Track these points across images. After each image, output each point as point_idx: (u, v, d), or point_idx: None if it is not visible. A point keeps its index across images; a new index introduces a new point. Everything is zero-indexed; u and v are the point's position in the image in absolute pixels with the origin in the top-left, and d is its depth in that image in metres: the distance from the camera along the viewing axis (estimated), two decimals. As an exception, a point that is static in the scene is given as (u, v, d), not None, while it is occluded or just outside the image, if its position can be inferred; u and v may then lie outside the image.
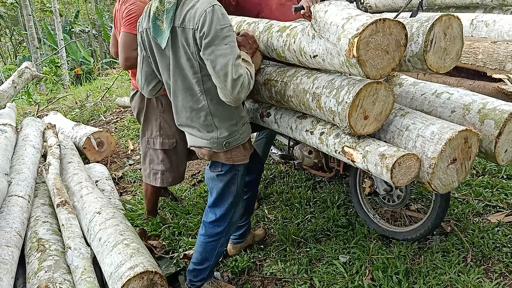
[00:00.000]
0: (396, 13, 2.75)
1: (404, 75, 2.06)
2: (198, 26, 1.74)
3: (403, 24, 1.46)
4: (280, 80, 2.04)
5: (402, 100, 1.93)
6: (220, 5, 1.80)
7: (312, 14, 1.66)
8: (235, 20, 2.42)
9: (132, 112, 6.15)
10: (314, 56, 1.68)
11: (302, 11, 2.45)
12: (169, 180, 2.94)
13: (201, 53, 1.77)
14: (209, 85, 1.87)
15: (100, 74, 12.06)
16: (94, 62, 16.35)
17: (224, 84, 1.77)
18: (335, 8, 1.56)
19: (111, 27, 18.60)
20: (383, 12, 3.12)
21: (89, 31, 19.51)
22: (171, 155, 2.89)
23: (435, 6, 2.74)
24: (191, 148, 2.14)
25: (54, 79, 11.27)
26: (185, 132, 2.10)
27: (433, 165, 1.54)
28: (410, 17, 2.61)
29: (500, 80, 1.89)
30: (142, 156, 3.02)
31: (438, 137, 1.54)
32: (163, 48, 1.87)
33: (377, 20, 1.41)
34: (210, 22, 1.72)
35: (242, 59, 1.91)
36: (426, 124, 1.61)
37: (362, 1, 2.07)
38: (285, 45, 1.92)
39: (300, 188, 3.40)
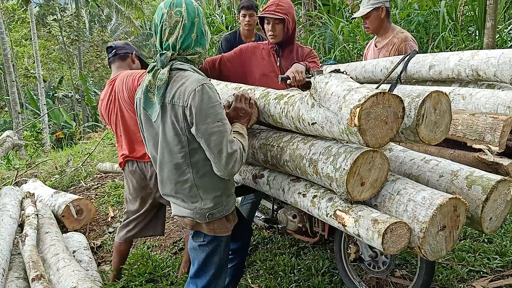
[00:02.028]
0: (376, 85, 2.95)
1: (392, 142, 2.18)
2: (187, 103, 1.81)
3: (401, 98, 1.59)
4: (276, 145, 2.12)
5: (392, 164, 2.01)
6: (210, 83, 1.89)
7: (312, 85, 1.77)
8: (230, 86, 2.53)
9: (115, 177, 6.15)
10: (313, 124, 1.78)
11: (288, 81, 2.61)
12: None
13: (193, 130, 1.84)
14: (196, 159, 1.93)
15: (82, 138, 12.02)
16: (76, 126, 16.37)
17: (218, 159, 1.84)
18: (336, 80, 1.68)
19: (95, 92, 18.97)
20: (364, 83, 3.30)
21: (72, 95, 19.69)
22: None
23: (412, 79, 2.91)
24: (174, 217, 2.15)
25: (35, 144, 11.18)
26: (170, 201, 2.13)
27: (424, 229, 1.60)
28: (389, 90, 2.79)
29: (480, 150, 2.00)
30: None
31: (429, 202, 1.61)
32: (153, 121, 1.95)
33: (377, 93, 1.53)
34: (200, 100, 1.80)
35: (236, 131, 2.01)
36: (417, 190, 1.69)
37: (345, 73, 2.22)
38: (282, 112, 2.02)
39: (284, 255, 3.38)
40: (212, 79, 2.77)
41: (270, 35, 2.96)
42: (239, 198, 3.46)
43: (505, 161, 1.93)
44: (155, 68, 1.94)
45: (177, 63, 1.92)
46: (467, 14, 6.71)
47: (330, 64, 4.12)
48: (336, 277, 2.96)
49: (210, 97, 1.83)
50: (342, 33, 7.29)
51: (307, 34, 8.13)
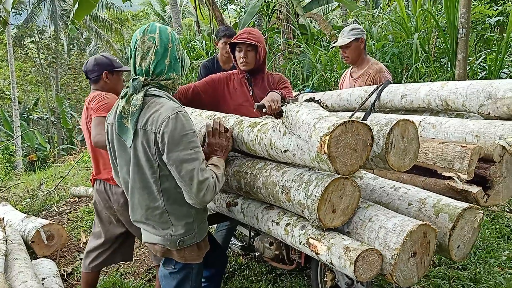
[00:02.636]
0: (351, 113, 3.00)
1: (363, 170, 2.21)
2: (160, 130, 1.81)
3: (369, 126, 1.62)
4: (250, 172, 2.13)
5: (363, 192, 2.04)
6: (185, 111, 1.89)
7: (284, 113, 1.80)
8: (205, 113, 2.55)
9: (88, 202, 6.02)
10: (285, 151, 1.80)
11: (264, 109, 2.63)
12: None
13: (164, 157, 1.83)
14: (167, 185, 1.91)
15: (56, 161, 11.78)
16: (50, 148, 16.08)
17: (189, 187, 1.83)
18: (306, 108, 1.72)
19: (71, 114, 18.75)
20: (339, 111, 3.36)
21: (47, 118, 19.41)
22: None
23: (386, 108, 2.98)
24: (145, 244, 2.11)
25: (7, 167, 10.89)
26: (141, 228, 2.10)
27: (395, 256, 1.61)
28: (363, 118, 2.85)
29: (450, 177, 2.05)
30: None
31: (400, 229, 1.63)
32: (128, 147, 1.93)
33: (346, 121, 1.56)
34: (173, 128, 1.80)
35: (211, 163, 2.01)
36: (388, 217, 1.71)
37: (320, 101, 2.26)
38: (255, 139, 2.04)
39: (260, 282, 3.35)
40: (186, 107, 2.79)
41: (242, 63, 2.97)
42: (215, 225, 3.43)
43: (474, 189, 1.97)
44: (128, 93, 1.93)
45: (151, 89, 1.92)
46: (440, 46, 6.94)
47: (307, 92, 4.20)
48: (312, 304, 2.93)
49: (184, 125, 1.83)
50: (320, 61, 7.43)
51: (286, 61, 8.27)
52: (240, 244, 3.51)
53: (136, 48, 1.93)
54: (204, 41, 10.46)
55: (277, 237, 2.05)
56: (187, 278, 2.06)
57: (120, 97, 1.98)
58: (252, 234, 3.29)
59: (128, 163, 1.97)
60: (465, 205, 1.75)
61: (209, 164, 2.02)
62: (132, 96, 1.91)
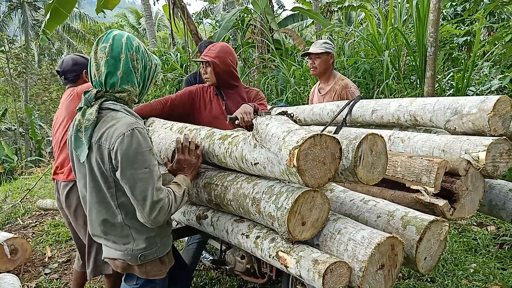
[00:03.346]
0: (323, 127, 3.04)
1: (334, 183, 2.23)
2: (114, 147, 1.74)
3: (337, 139, 1.64)
4: (221, 184, 2.11)
5: (333, 205, 2.06)
6: (142, 127, 1.81)
7: (254, 126, 1.80)
8: (176, 126, 2.53)
9: (55, 215, 5.85)
10: (255, 164, 1.80)
11: (236, 122, 2.64)
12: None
13: (117, 174, 1.77)
14: (124, 200, 1.85)
15: (23, 173, 11.44)
16: (17, 160, 15.62)
17: (142, 207, 1.76)
18: (276, 121, 1.72)
19: (40, 125, 18.28)
20: (311, 125, 3.40)
21: (15, 129, 18.88)
22: None
23: (357, 123, 3.03)
24: (105, 259, 2.04)
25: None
26: (102, 243, 2.02)
27: (364, 268, 1.62)
28: (335, 132, 2.89)
29: (418, 191, 2.09)
30: (87, 250, 2.93)
31: (368, 241, 1.64)
32: (81, 161, 1.87)
33: (315, 134, 1.57)
34: (128, 145, 1.73)
35: (175, 182, 1.96)
36: (357, 229, 1.72)
37: (292, 115, 2.28)
38: (226, 152, 2.03)
39: (244, 297, 3.31)
40: (158, 119, 2.77)
41: (204, 78, 3.04)
42: (186, 238, 3.38)
43: (440, 202, 2.01)
44: (83, 107, 1.87)
45: (108, 102, 1.85)
46: (409, 64, 7.14)
47: (281, 106, 4.24)
48: (283, 319, 2.91)
49: (139, 143, 1.75)
50: (293, 76, 7.52)
51: (261, 75, 8.33)
52: (211, 258, 3.47)
53: (90, 58, 1.86)
54: (179, 54, 10.44)
55: (247, 250, 2.03)
56: None
57: (76, 109, 1.91)
58: (223, 247, 3.25)
59: (85, 177, 1.90)
60: (431, 217, 1.78)
61: (173, 182, 1.97)
62: (87, 110, 1.84)
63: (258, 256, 1.95)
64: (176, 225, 2.66)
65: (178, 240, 4.43)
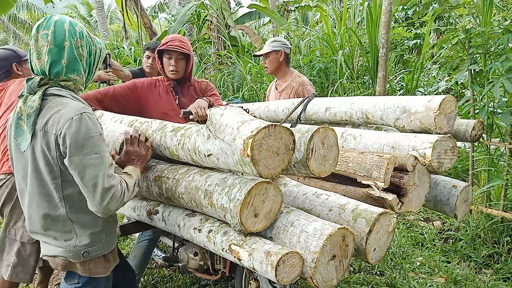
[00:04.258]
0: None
1: (287, 177, 2.25)
2: (61, 132, 1.66)
3: (291, 130, 1.64)
4: (172, 177, 2.07)
5: (286, 198, 2.08)
6: (91, 112, 1.73)
7: (208, 117, 1.78)
8: (127, 119, 2.45)
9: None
10: (209, 155, 1.77)
11: (191, 116, 2.59)
12: (19, 275, 2.70)
13: (66, 161, 1.68)
14: (69, 192, 1.76)
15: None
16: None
17: (92, 194, 1.67)
18: (230, 112, 1.71)
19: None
20: (266, 122, 3.41)
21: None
22: (28, 249, 2.68)
23: (311, 120, 3.07)
24: (44, 258, 1.92)
25: None
26: (40, 241, 1.90)
27: (316, 259, 1.64)
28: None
29: (368, 185, 2.14)
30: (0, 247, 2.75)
31: (320, 233, 1.66)
32: (22, 151, 1.76)
33: (269, 125, 1.57)
34: (77, 130, 1.65)
35: (125, 172, 1.89)
36: (309, 221, 1.74)
37: (247, 111, 2.28)
38: (179, 144, 1.99)
39: (184, 294, 3.27)
40: (107, 112, 2.64)
41: (171, 71, 2.88)
42: (136, 235, 3.30)
43: (389, 196, 2.07)
44: (25, 94, 1.76)
45: (53, 88, 1.75)
46: (363, 64, 7.34)
47: (236, 102, 4.23)
48: (236, 314, 2.91)
49: (89, 128, 1.68)
50: (250, 73, 7.54)
51: (217, 72, 8.28)
52: (163, 255, 3.40)
53: (30, 46, 1.75)
54: (132, 48, 10.20)
55: (199, 244, 2.00)
56: None
57: (18, 96, 1.80)
58: (176, 244, 3.20)
59: (25, 168, 1.79)
60: (380, 210, 1.83)
61: (123, 173, 1.90)
62: (30, 97, 1.74)
63: (210, 249, 1.93)
64: (127, 222, 2.59)
65: (128, 237, 4.33)
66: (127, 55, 9.73)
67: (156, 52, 2.98)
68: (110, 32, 14.58)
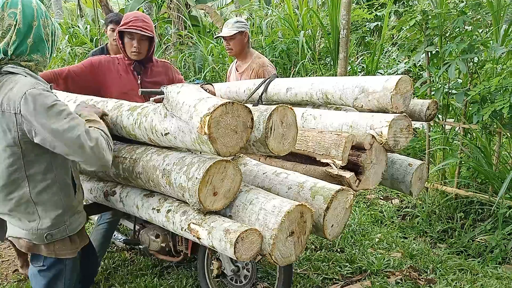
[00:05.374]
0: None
1: (248, 157, 2.25)
2: (19, 110, 1.60)
3: (249, 108, 1.64)
4: (129, 157, 2.03)
5: (246, 178, 2.08)
6: (45, 85, 1.69)
7: (165, 94, 1.74)
8: (81, 98, 2.37)
9: None
10: (166, 134, 1.74)
11: (153, 98, 2.53)
12: None
13: (37, 140, 1.63)
14: (34, 171, 1.71)
15: None
16: None
17: (82, 156, 1.64)
18: (188, 89, 1.68)
19: None
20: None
21: None
22: None
23: (272, 101, 3.07)
24: (9, 238, 1.88)
25: None
26: (7, 221, 1.86)
27: (274, 236, 1.66)
28: (251, 109, 2.91)
29: (327, 164, 2.17)
30: None
31: (278, 210, 1.68)
32: None
33: (226, 102, 1.56)
34: (34, 104, 1.59)
35: (87, 120, 1.82)
36: (268, 199, 1.75)
37: (208, 90, 2.26)
38: (135, 123, 1.95)
39: (146, 276, 3.24)
40: (60, 92, 2.54)
41: (133, 52, 2.81)
42: (95, 218, 3.23)
43: (347, 174, 2.11)
44: None
45: (7, 66, 1.68)
46: (324, 46, 7.39)
47: (197, 83, 4.17)
48: (199, 294, 2.93)
49: (46, 98, 1.62)
50: (212, 54, 7.44)
51: (177, 52, 8.12)
52: (124, 238, 3.35)
53: None
54: (88, 26, 9.83)
55: (158, 224, 1.99)
56: (60, 276, 1.86)
57: None
58: (137, 227, 3.16)
59: None
60: (338, 187, 1.86)
61: (86, 121, 1.82)
62: None
63: (170, 229, 1.92)
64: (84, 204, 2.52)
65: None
66: (83, 35, 9.36)
67: (116, 31, 2.88)
68: (64, 11, 13.95)
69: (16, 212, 1.77)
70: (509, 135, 3.72)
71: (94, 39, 9.10)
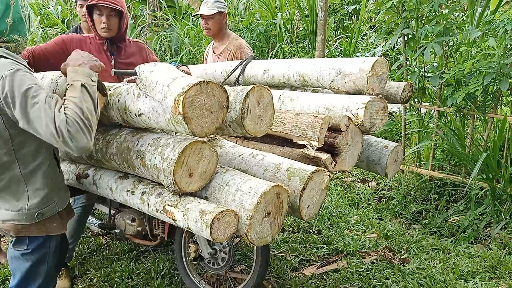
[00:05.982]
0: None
1: (224, 139, 2.22)
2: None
3: (224, 88, 1.61)
4: (102, 138, 1.99)
5: (222, 160, 2.07)
6: (22, 66, 1.63)
7: (138, 74, 1.70)
8: (50, 75, 2.27)
9: None
10: (140, 115, 1.70)
11: (127, 79, 2.46)
12: None
13: (21, 125, 1.58)
14: (23, 152, 1.69)
15: None
16: None
17: (57, 144, 1.57)
18: (161, 68, 1.64)
19: None
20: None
21: None
22: None
23: (249, 83, 3.04)
24: None
25: None
26: None
27: (250, 216, 1.65)
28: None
29: (304, 146, 2.17)
30: None
31: (254, 191, 1.67)
32: None
33: (201, 81, 1.52)
34: (11, 87, 1.54)
35: (70, 97, 1.62)
36: (244, 180, 1.74)
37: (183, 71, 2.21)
38: (108, 104, 1.90)
39: (122, 261, 3.21)
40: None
41: (103, 28, 2.72)
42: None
43: (323, 156, 2.11)
44: None
45: None
46: (302, 28, 7.36)
47: (173, 65, 4.09)
48: (176, 278, 2.92)
49: (23, 80, 1.56)
50: (188, 36, 7.32)
51: (152, 34, 7.97)
52: (99, 223, 3.31)
53: None
54: (59, 7, 9.52)
55: (133, 207, 1.96)
56: (43, 259, 1.86)
57: None
58: (112, 211, 3.11)
59: None
60: (313, 168, 1.86)
61: (64, 97, 1.67)
62: None
63: (145, 211, 1.90)
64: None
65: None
66: (54, 16, 9.07)
67: (85, 7, 2.78)
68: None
69: (4, 193, 1.75)
70: (482, 118, 3.79)
71: (66, 20, 8.84)
